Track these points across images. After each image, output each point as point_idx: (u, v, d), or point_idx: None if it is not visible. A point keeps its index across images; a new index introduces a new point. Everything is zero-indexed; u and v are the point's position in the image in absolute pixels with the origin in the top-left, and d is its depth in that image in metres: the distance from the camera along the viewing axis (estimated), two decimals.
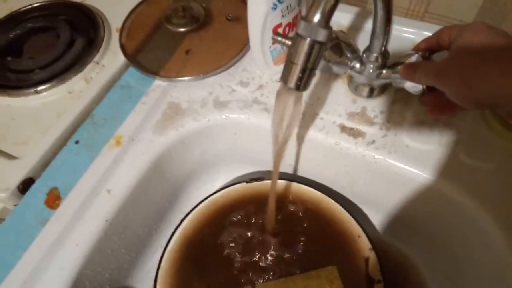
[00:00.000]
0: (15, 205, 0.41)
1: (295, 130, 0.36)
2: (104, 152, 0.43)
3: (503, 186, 0.37)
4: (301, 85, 0.28)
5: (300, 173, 0.50)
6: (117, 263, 0.43)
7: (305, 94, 0.45)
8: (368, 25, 0.48)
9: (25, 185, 0.42)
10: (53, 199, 0.40)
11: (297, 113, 0.31)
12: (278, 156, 0.36)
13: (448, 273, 0.44)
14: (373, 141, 0.41)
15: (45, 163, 0.43)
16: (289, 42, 0.29)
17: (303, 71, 0.27)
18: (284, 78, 0.28)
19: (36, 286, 0.36)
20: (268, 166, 0.44)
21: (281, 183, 0.46)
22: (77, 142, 0.44)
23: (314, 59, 0.27)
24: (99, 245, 0.39)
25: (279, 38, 0.30)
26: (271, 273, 0.42)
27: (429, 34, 0.37)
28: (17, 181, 0.42)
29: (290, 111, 0.30)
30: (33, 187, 0.41)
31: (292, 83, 0.27)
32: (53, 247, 0.37)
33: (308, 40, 0.25)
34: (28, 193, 0.41)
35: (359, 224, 0.43)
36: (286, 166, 0.49)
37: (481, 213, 0.37)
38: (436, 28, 0.36)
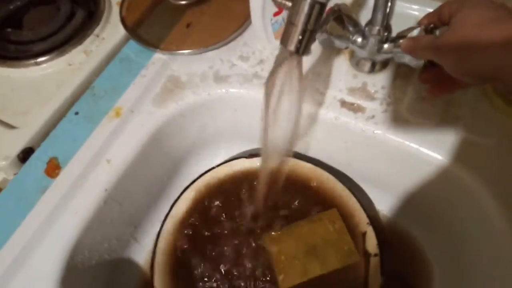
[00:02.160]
0: (15, 174, 0.42)
1: (296, 103, 0.36)
2: (103, 123, 0.43)
3: (503, 162, 0.37)
4: (301, 48, 0.27)
5: (299, 149, 0.50)
6: (116, 234, 0.43)
7: (306, 69, 0.44)
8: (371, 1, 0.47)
9: (25, 154, 0.42)
10: (53, 168, 0.41)
11: (297, 83, 0.31)
12: (267, 127, 0.36)
13: (447, 247, 0.44)
14: (373, 116, 0.41)
15: (44, 133, 0.43)
16: (289, 4, 0.29)
17: (303, 32, 0.27)
18: (284, 40, 0.28)
19: (35, 252, 0.36)
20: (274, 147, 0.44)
21: (278, 158, 0.46)
22: (76, 113, 0.44)
23: (314, 20, 0.26)
24: (98, 214, 0.39)
25: (279, 0, 0.30)
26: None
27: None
28: (17, 150, 0.42)
29: (289, 78, 0.30)
30: (33, 156, 0.41)
31: (292, 45, 0.27)
32: (52, 215, 0.38)
33: (309, 0, 0.25)
34: (28, 162, 0.41)
35: (356, 199, 0.43)
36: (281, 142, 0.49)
37: (480, 188, 0.37)
38: (440, 4, 0.36)
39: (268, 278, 0.40)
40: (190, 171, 0.51)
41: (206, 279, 0.40)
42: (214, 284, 0.40)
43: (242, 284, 0.40)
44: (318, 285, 0.39)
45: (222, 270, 0.41)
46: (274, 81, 0.32)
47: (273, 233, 0.42)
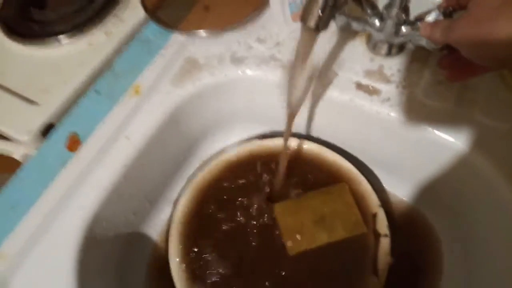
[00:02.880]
0: (36, 149, 0.43)
1: (305, 79, 0.36)
2: (123, 100, 0.44)
3: None
4: (321, 24, 0.28)
5: (313, 133, 0.50)
6: (133, 208, 0.45)
7: (322, 53, 0.45)
8: None
9: (47, 130, 0.43)
10: (74, 143, 0.42)
11: (307, 59, 0.31)
12: (296, 106, 0.36)
13: (458, 229, 0.44)
14: (389, 99, 0.41)
15: (65, 110, 0.45)
16: None
17: (323, 8, 0.27)
18: (304, 16, 0.28)
19: (56, 221, 0.37)
20: (282, 125, 0.45)
21: (292, 141, 0.47)
22: (97, 91, 0.45)
23: None
24: (116, 188, 0.41)
25: None
26: None
27: None
28: (38, 125, 0.43)
29: (309, 55, 0.31)
30: (54, 131, 0.43)
31: (312, 21, 0.28)
32: (73, 187, 0.39)
33: None
34: (49, 136, 0.42)
35: (368, 181, 0.44)
36: (298, 126, 0.50)
37: (494, 172, 0.37)
38: None
39: (277, 244, 0.41)
40: (205, 151, 0.52)
41: (217, 247, 0.42)
42: (225, 251, 0.41)
43: (251, 250, 0.41)
44: (325, 253, 0.40)
45: (234, 238, 0.42)
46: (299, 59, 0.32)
47: (282, 203, 0.43)
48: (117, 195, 0.41)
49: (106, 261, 0.42)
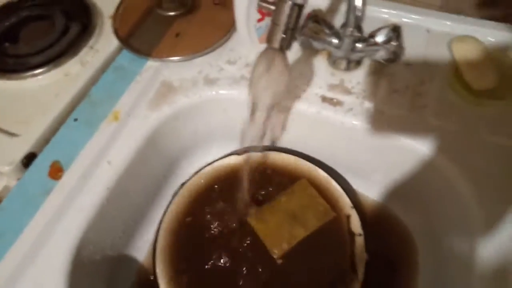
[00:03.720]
0: (18, 179, 0.44)
1: (281, 98, 0.39)
2: (102, 127, 0.46)
3: (467, 143, 0.42)
4: (284, 44, 0.32)
5: (285, 144, 0.53)
6: (117, 231, 0.46)
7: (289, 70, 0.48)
8: (343, 7, 0.52)
9: (28, 160, 0.44)
10: (56, 171, 0.43)
11: (282, 77, 0.35)
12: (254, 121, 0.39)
13: (427, 226, 0.48)
14: (351, 109, 0.45)
15: (46, 140, 0.46)
16: (273, 8, 0.33)
17: (285, 31, 0.31)
18: (269, 39, 0.32)
19: (44, 248, 0.38)
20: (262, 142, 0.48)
21: (250, 155, 0.50)
22: (76, 119, 0.47)
23: (294, 19, 0.31)
24: (101, 211, 0.42)
25: (265, 4, 0.34)
26: None
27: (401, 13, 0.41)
28: (20, 156, 0.44)
29: (274, 75, 0.34)
30: (36, 161, 0.44)
31: (276, 43, 0.31)
32: (58, 213, 0.40)
33: (289, 3, 0.29)
34: (31, 166, 0.44)
35: (340, 185, 0.47)
36: (270, 140, 0.53)
37: (449, 169, 0.42)
38: (408, 8, 0.40)
39: (263, 253, 0.44)
40: (185, 170, 0.54)
41: (205, 264, 0.44)
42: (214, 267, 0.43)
43: (241, 264, 0.43)
44: (308, 245, 0.44)
45: (219, 256, 0.44)
46: (257, 79, 0.35)
47: (254, 211, 0.47)
48: (101, 218, 0.42)
49: (95, 282, 0.43)
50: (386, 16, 0.52)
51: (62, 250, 0.38)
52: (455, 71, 0.45)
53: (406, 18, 0.51)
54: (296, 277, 0.42)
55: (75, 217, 0.40)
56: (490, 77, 0.44)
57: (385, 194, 0.51)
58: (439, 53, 0.48)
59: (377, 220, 0.50)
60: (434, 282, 0.46)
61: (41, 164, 0.44)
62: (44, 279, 0.37)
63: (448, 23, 0.50)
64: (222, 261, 0.44)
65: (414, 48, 0.48)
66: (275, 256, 0.43)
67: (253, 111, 0.40)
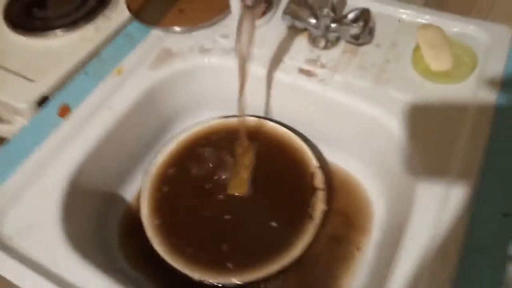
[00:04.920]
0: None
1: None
2: (108, 79, 0.53)
3: (419, 112, 0.47)
4: (255, 3, 0.39)
5: (265, 114, 0.60)
6: (111, 170, 0.53)
7: (273, 46, 0.55)
8: None
9: (42, 101, 0.52)
10: (64, 112, 0.50)
11: (249, 36, 0.42)
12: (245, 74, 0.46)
13: (385, 187, 0.53)
14: (323, 79, 0.52)
15: (58, 87, 0.54)
16: None
17: None
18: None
19: (49, 168, 0.45)
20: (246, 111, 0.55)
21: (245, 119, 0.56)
22: (86, 73, 0.54)
23: None
24: (99, 148, 0.49)
25: None
26: None
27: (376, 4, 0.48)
28: (35, 97, 0.52)
29: (250, 30, 0.41)
30: (48, 102, 0.51)
31: (249, 1, 0.38)
32: (63, 143, 0.47)
33: None
34: (44, 105, 0.51)
35: (309, 148, 0.53)
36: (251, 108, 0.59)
37: (406, 138, 0.47)
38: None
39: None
40: (177, 130, 0.61)
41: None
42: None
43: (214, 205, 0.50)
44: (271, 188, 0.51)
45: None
46: (238, 36, 0.42)
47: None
48: (99, 154, 0.49)
49: (87, 210, 0.49)
50: (363, 5, 0.58)
51: (62, 174, 0.45)
52: (417, 53, 0.51)
53: (382, 9, 0.57)
54: (259, 208, 0.48)
55: (76, 148, 0.47)
56: (447, 60, 0.50)
57: (351, 158, 0.57)
58: (406, 39, 0.54)
59: (341, 184, 0.55)
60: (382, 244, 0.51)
61: (53, 105, 0.51)
62: (45, 194, 0.44)
63: (417, 14, 0.56)
64: (197, 205, 0.51)
65: (385, 34, 0.55)
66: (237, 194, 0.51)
67: (241, 73, 0.47)
